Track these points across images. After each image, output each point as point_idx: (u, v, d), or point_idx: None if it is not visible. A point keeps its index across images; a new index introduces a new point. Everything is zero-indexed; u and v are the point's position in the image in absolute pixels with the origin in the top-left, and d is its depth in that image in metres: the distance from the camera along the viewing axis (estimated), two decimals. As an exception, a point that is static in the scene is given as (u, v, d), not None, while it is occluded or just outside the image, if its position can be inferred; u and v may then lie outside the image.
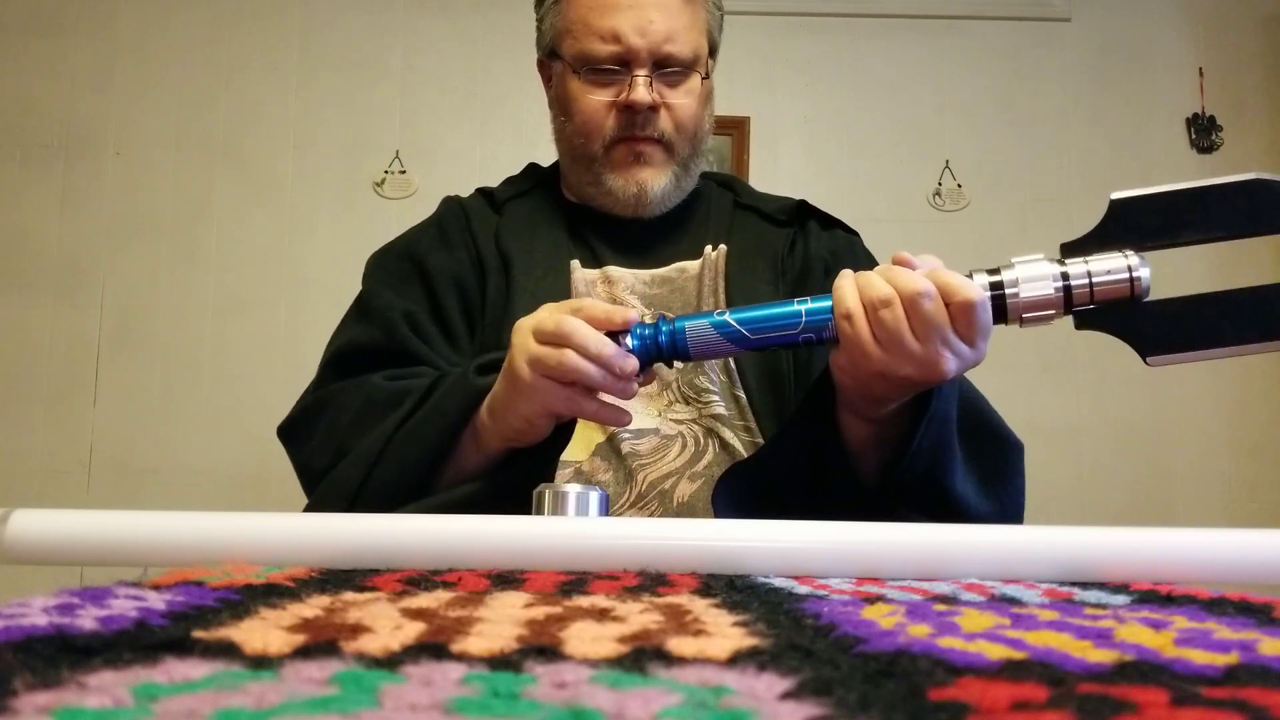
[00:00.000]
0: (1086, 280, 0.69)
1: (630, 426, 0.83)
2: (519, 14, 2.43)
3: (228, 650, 0.26)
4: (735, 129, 2.44)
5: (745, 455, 0.89)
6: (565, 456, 0.84)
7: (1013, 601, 0.40)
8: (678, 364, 0.90)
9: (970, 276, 0.70)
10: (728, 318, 0.72)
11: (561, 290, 0.96)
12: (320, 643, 0.27)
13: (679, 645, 0.28)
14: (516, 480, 0.74)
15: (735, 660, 0.26)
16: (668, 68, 0.95)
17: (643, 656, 0.26)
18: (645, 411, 0.91)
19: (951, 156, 2.49)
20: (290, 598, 0.36)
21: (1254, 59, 2.54)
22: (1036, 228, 2.45)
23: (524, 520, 0.52)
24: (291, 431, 0.92)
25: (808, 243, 1.01)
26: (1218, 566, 0.49)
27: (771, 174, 2.40)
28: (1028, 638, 0.30)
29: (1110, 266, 0.69)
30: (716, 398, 0.92)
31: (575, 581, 0.44)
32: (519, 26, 2.44)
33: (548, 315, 0.73)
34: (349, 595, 0.38)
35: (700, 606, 0.37)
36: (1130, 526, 0.50)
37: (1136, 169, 2.48)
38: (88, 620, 0.29)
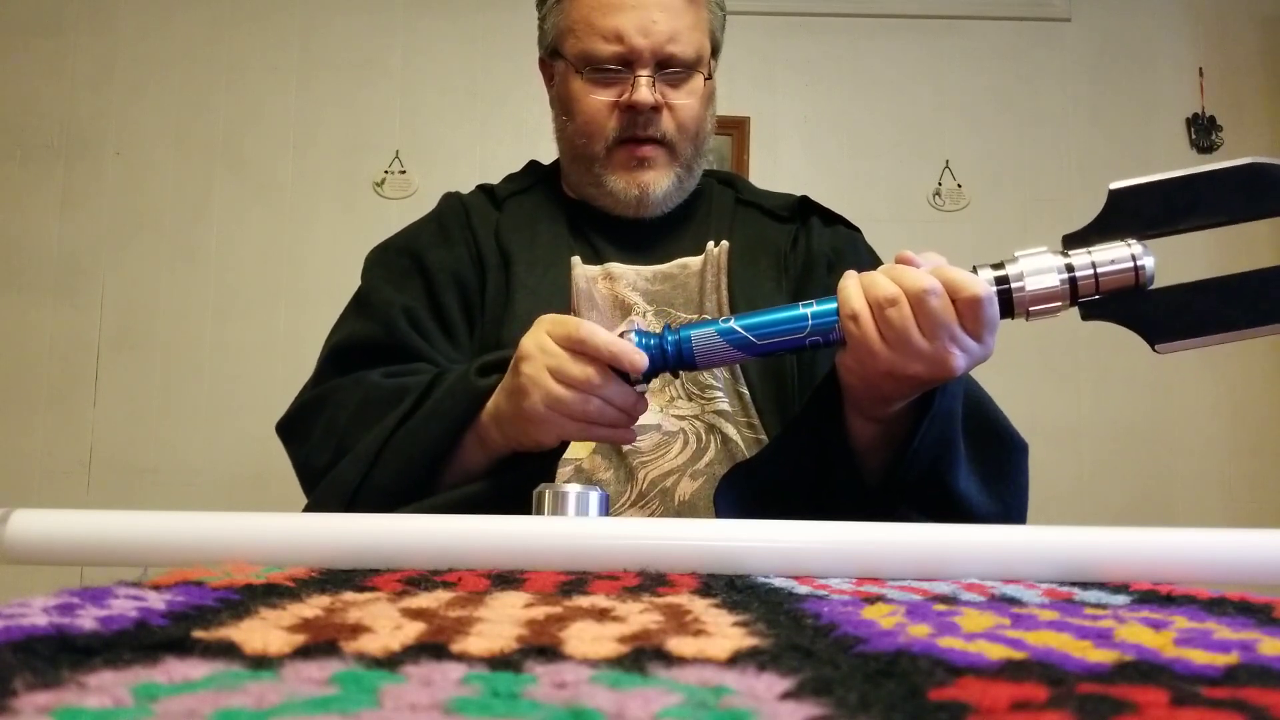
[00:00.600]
0: (1091, 271, 0.69)
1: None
2: (519, 14, 2.43)
3: (228, 650, 0.26)
4: (735, 129, 2.44)
5: (748, 452, 0.89)
6: (565, 455, 0.84)
7: (1013, 601, 0.40)
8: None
9: (975, 271, 0.70)
10: (733, 324, 0.71)
11: (562, 287, 0.95)
12: (320, 643, 0.27)
13: (679, 645, 0.28)
14: (519, 481, 0.74)
15: (735, 660, 0.26)
16: (670, 68, 0.95)
17: (643, 656, 0.26)
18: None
19: (951, 156, 2.49)
20: (290, 598, 0.36)
21: (1254, 59, 2.54)
22: (1036, 228, 2.45)
23: (524, 520, 0.52)
24: (290, 428, 0.92)
25: (810, 239, 1.01)
26: (1218, 566, 0.49)
27: (771, 174, 2.40)
28: (1028, 638, 0.30)
29: (1114, 256, 0.69)
30: (720, 394, 0.92)
31: (575, 581, 0.44)
32: (519, 26, 2.44)
33: (569, 363, 0.71)
34: (349, 595, 0.38)
35: (700, 606, 0.37)
36: (1130, 526, 0.50)
37: (1136, 169, 2.44)
38: (88, 620, 0.29)
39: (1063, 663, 0.26)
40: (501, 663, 0.26)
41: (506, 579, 0.45)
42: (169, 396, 2.36)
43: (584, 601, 0.37)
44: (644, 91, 0.94)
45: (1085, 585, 0.47)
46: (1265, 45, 2.54)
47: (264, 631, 0.29)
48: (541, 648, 0.27)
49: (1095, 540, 0.49)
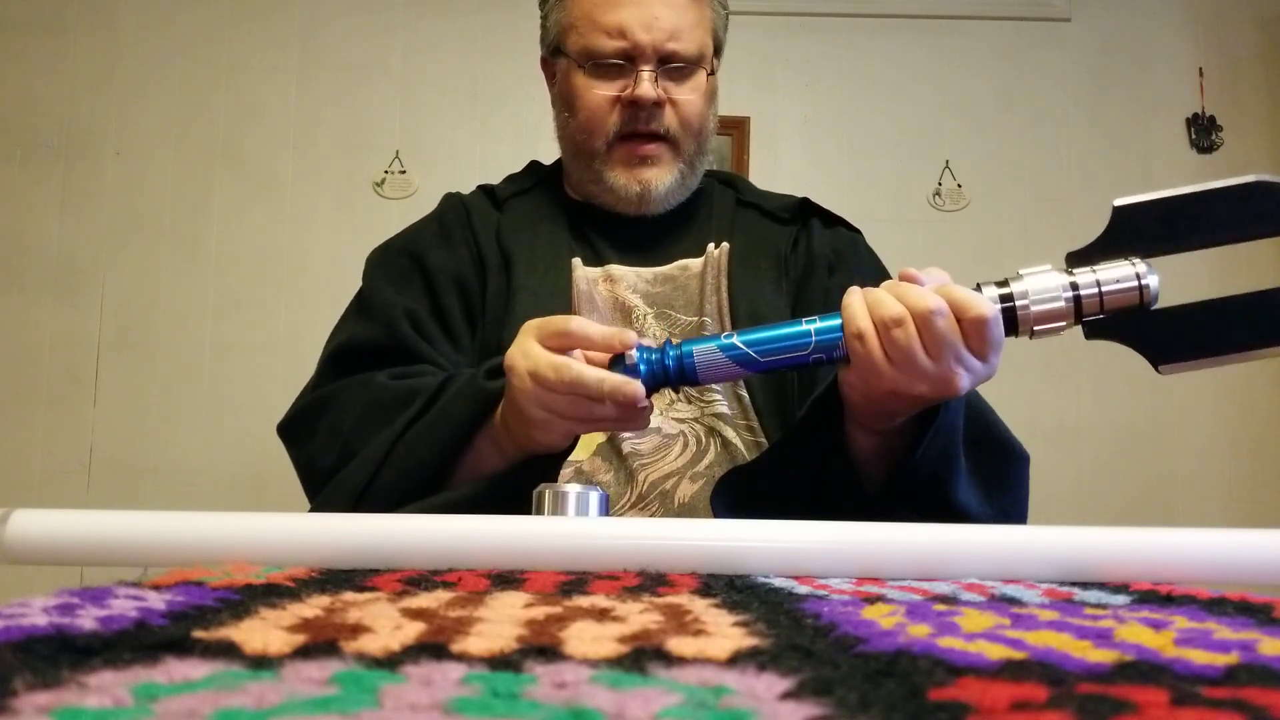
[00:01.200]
0: (1096, 290, 0.68)
1: None
2: (519, 14, 2.44)
3: (228, 650, 0.26)
4: (735, 129, 2.44)
5: (748, 455, 0.89)
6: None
7: (1013, 601, 0.40)
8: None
9: (978, 289, 0.69)
10: (735, 340, 0.71)
11: (563, 288, 0.95)
12: (320, 643, 0.27)
13: (679, 645, 0.28)
14: (526, 481, 0.74)
15: (735, 660, 0.26)
16: (672, 64, 0.95)
17: (643, 656, 0.26)
18: (646, 409, 0.91)
19: (951, 156, 2.49)
20: (290, 598, 0.36)
21: (1254, 59, 2.54)
22: (1036, 228, 2.45)
23: (524, 520, 0.52)
24: (292, 430, 0.92)
25: (810, 240, 1.01)
26: (1218, 566, 0.49)
27: (771, 174, 2.40)
28: (1028, 638, 0.30)
29: (1119, 275, 0.69)
30: (719, 397, 0.92)
31: (575, 581, 0.44)
32: (519, 27, 2.44)
33: (546, 364, 0.70)
34: (349, 595, 0.38)
35: (700, 606, 0.37)
36: (1130, 526, 0.50)
37: (1136, 169, 2.48)
38: (88, 620, 0.29)
39: (1063, 663, 0.26)
40: (501, 663, 0.26)
41: (506, 579, 0.45)
42: (169, 396, 2.36)
43: (584, 601, 0.37)
44: (646, 86, 0.94)
45: (1085, 585, 0.47)
46: (1265, 45, 2.54)
47: (264, 631, 0.29)
48: (541, 648, 0.27)
49: (1095, 540, 0.49)
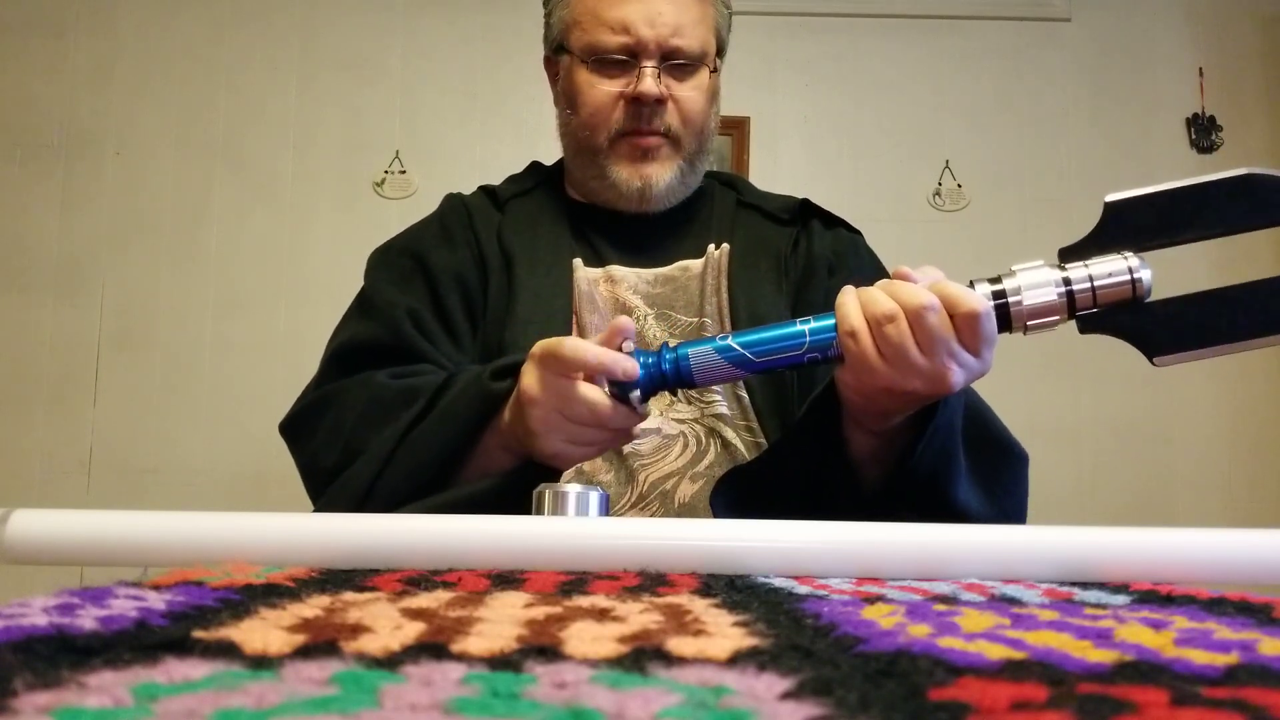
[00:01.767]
0: (1088, 284, 0.69)
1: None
2: (519, 14, 2.44)
3: (228, 650, 0.26)
4: (735, 129, 2.44)
5: (748, 455, 0.89)
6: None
7: (1013, 601, 0.40)
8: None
9: (972, 286, 0.69)
10: (731, 342, 0.71)
11: (564, 289, 0.95)
12: (320, 643, 0.27)
13: (679, 645, 0.28)
14: (530, 481, 0.74)
15: (735, 660, 0.26)
16: (675, 60, 0.95)
17: (643, 656, 0.26)
18: (646, 410, 0.91)
19: (951, 156, 2.49)
20: (290, 598, 0.36)
21: (1254, 59, 2.54)
22: (1036, 228, 2.45)
23: (524, 520, 0.52)
24: (294, 429, 0.92)
25: (811, 242, 1.01)
26: (1218, 566, 0.49)
27: (771, 174, 2.40)
28: (1028, 638, 0.30)
29: (1111, 269, 0.69)
30: (719, 397, 0.92)
31: (575, 581, 0.44)
32: (519, 27, 2.45)
33: (571, 401, 0.72)
34: (349, 595, 0.38)
35: (700, 606, 0.37)
36: (1130, 526, 0.50)
37: (1136, 169, 2.48)
38: (88, 620, 0.29)
39: (1063, 663, 0.26)
40: (501, 663, 0.26)
41: (506, 579, 0.45)
42: (169, 396, 2.36)
43: (584, 601, 0.37)
44: (649, 82, 0.94)
45: (1085, 585, 0.47)
46: (1265, 45, 2.54)
47: (264, 631, 0.29)
48: (541, 648, 0.27)
49: (1095, 540, 0.49)
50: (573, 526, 0.52)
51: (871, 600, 0.40)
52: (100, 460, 2.34)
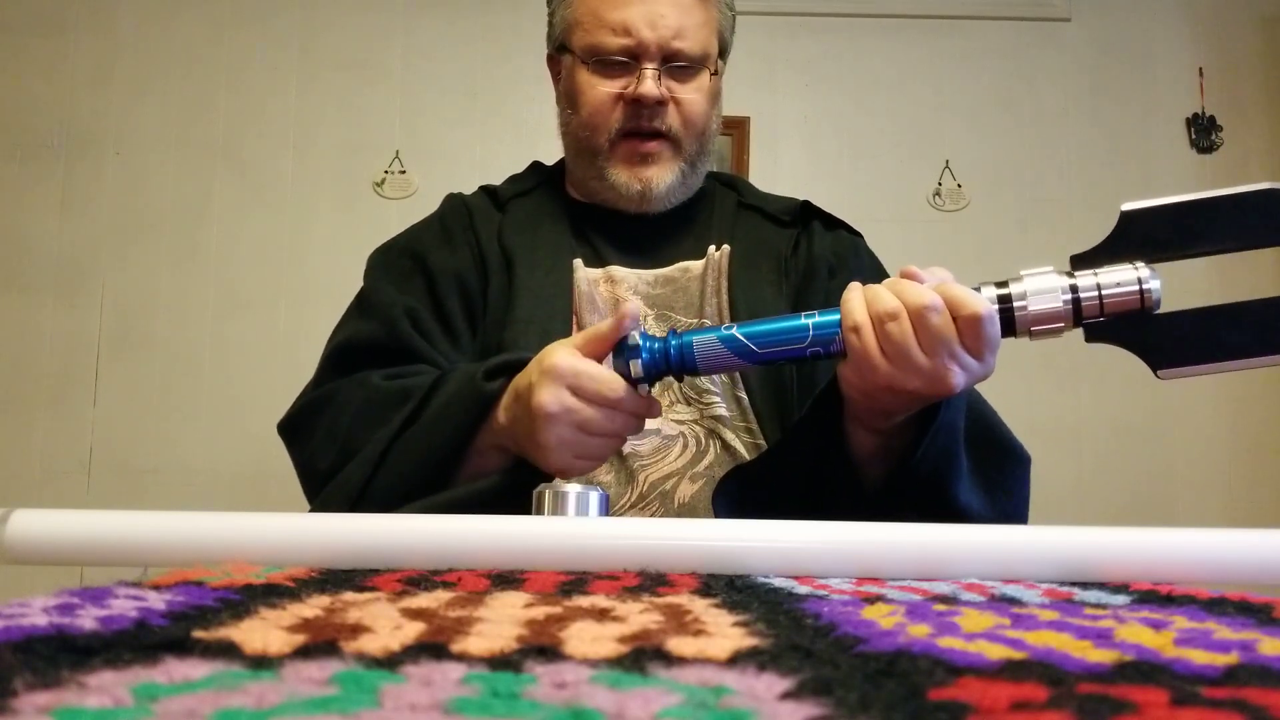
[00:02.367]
0: (1096, 293, 0.68)
1: None
2: (519, 14, 2.44)
3: (228, 650, 0.26)
4: (735, 129, 2.44)
5: (748, 456, 0.89)
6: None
7: (1013, 601, 0.40)
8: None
9: (979, 289, 0.69)
10: (735, 332, 0.72)
11: (564, 289, 0.95)
12: (320, 643, 0.27)
13: (679, 645, 0.28)
14: (526, 481, 0.74)
15: (735, 660, 0.26)
16: (676, 63, 0.95)
17: (643, 656, 0.26)
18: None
19: (951, 156, 2.49)
20: (290, 598, 0.36)
21: (1254, 59, 2.54)
22: (1036, 228, 2.45)
23: (524, 520, 0.52)
24: (292, 429, 0.92)
25: (811, 243, 1.01)
26: (1218, 566, 0.49)
27: (771, 174, 2.40)
28: (1028, 638, 0.30)
29: (1120, 279, 0.68)
30: (718, 399, 0.92)
31: (575, 581, 0.44)
32: (519, 27, 2.45)
33: (591, 420, 0.72)
34: (349, 595, 0.38)
35: (700, 606, 0.37)
36: (1130, 526, 0.50)
37: (1136, 169, 2.48)
38: (88, 620, 0.29)
39: (1063, 663, 0.26)
40: (501, 663, 0.26)
41: (506, 579, 0.45)
42: (169, 396, 2.36)
43: (584, 601, 0.37)
44: (649, 84, 0.94)
45: (1085, 585, 0.47)
46: (1265, 45, 2.54)
47: (264, 631, 0.29)
48: (541, 648, 0.27)
49: (1095, 540, 0.49)
50: (573, 526, 0.52)
51: (871, 600, 0.40)
52: (100, 460, 2.34)
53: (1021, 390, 2.31)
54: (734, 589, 0.42)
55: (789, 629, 0.32)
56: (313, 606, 0.34)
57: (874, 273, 1.02)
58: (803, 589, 0.43)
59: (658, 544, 0.50)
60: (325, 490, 0.84)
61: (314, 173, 2.44)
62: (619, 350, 0.72)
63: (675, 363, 0.72)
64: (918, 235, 2.44)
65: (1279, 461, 2.40)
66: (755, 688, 0.23)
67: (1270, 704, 0.22)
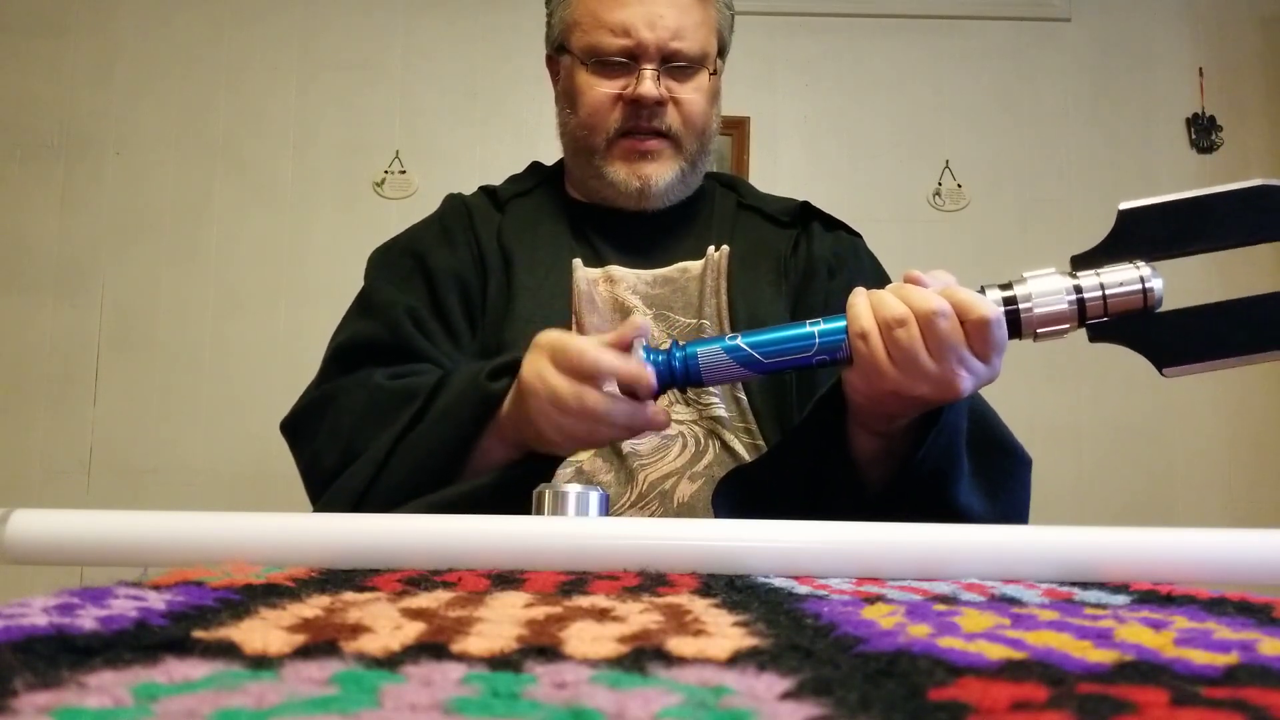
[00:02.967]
0: (1099, 293, 0.69)
1: None
2: (519, 14, 2.44)
3: (228, 650, 0.26)
4: (735, 129, 2.44)
5: (747, 457, 0.89)
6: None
7: (1013, 601, 0.40)
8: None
9: (982, 292, 0.69)
10: (740, 342, 0.71)
11: (563, 289, 0.95)
12: (320, 643, 0.27)
13: (679, 645, 0.28)
14: (527, 478, 0.74)
15: (735, 660, 0.26)
16: (675, 63, 0.95)
17: (643, 656, 0.26)
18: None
19: (951, 156, 2.49)
20: (290, 598, 0.36)
21: (1254, 59, 2.54)
22: (1036, 228, 2.45)
23: (524, 520, 0.52)
24: (295, 428, 0.92)
25: (811, 244, 1.01)
26: (1218, 566, 0.49)
27: (771, 174, 2.40)
28: (1028, 638, 0.30)
29: (1123, 278, 0.69)
30: (717, 400, 0.92)
31: (575, 581, 0.44)
32: (519, 27, 2.45)
33: (568, 394, 0.71)
34: (349, 595, 0.38)
35: (700, 606, 0.37)
36: (1130, 526, 0.50)
37: (1136, 169, 2.48)
38: (88, 620, 0.29)
39: (1063, 663, 0.26)
40: (501, 663, 0.26)
41: (506, 579, 0.45)
42: (169, 396, 2.36)
43: (584, 601, 0.37)
44: (648, 85, 0.94)
45: (1085, 585, 0.47)
46: (1265, 45, 2.54)
47: (264, 631, 0.29)
48: (541, 648, 0.27)
49: (1095, 540, 0.49)
50: (573, 526, 0.52)
51: (871, 600, 0.40)
52: (100, 460, 2.34)
53: (1022, 390, 2.31)
54: (734, 589, 0.42)
55: (789, 629, 0.32)
56: (313, 606, 0.34)
57: (873, 273, 1.02)
58: (803, 589, 0.43)
59: (658, 544, 0.50)
60: (329, 491, 0.84)
61: (314, 173, 2.44)
62: None
63: (680, 375, 0.72)
64: (918, 235, 2.44)
65: (1279, 461, 2.40)
66: (755, 688, 0.23)
67: (1270, 704, 0.22)
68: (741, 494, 0.79)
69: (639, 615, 0.34)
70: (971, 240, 2.43)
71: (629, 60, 0.95)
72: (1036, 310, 0.69)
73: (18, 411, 2.34)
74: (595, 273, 0.98)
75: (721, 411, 0.92)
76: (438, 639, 0.28)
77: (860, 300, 0.69)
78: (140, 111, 2.45)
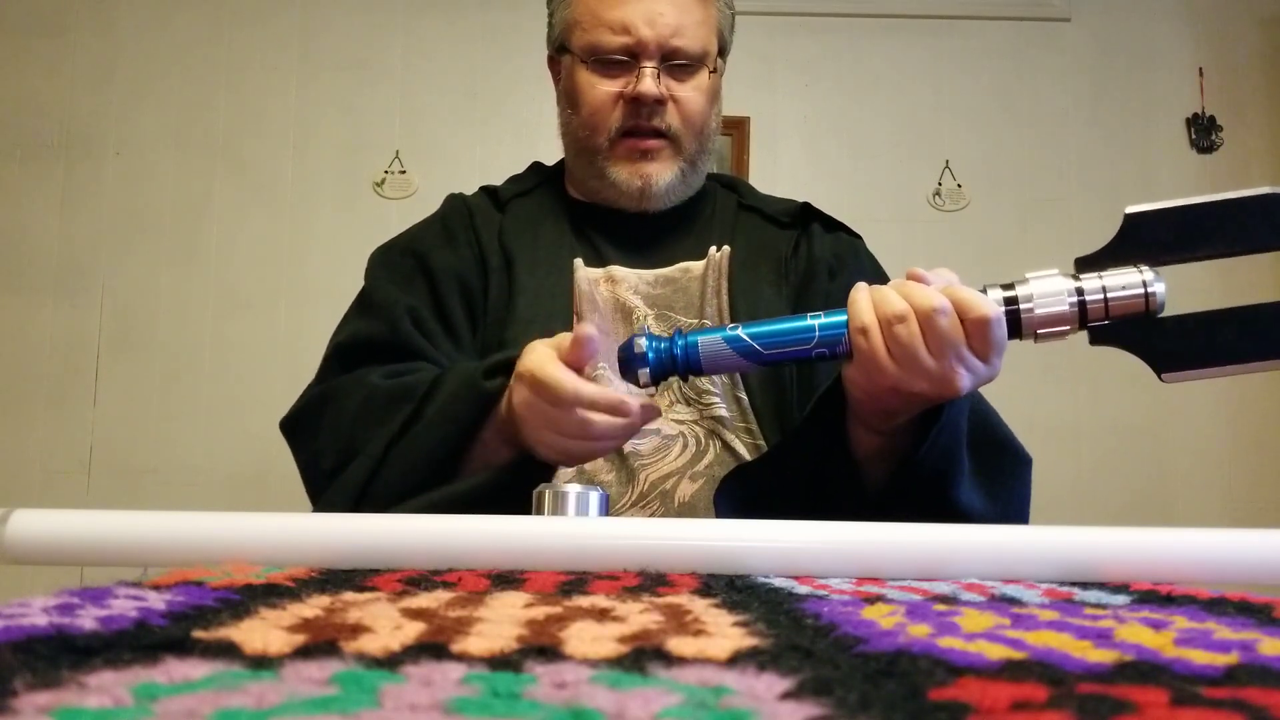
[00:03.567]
0: (1101, 295, 0.69)
1: None
2: (519, 14, 2.44)
3: (228, 650, 0.26)
4: (735, 129, 2.44)
5: (747, 457, 0.89)
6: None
7: (1013, 601, 0.40)
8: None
9: (984, 291, 0.69)
10: (740, 333, 0.71)
11: (564, 289, 0.95)
12: (320, 643, 0.27)
13: (679, 645, 0.28)
14: (525, 475, 0.74)
15: (735, 660, 0.26)
16: (676, 61, 0.95)
17: (643, 656, 0.26)
18: (646, 413, 0.91)
19: (951, 156, 2.49)
20: (290, 598, 0.36)
21: (1254, 59, 2.54)
22: (1036, 228, 2.45)
23: (524, 520, 0.52)
24: (294, 427, 0.92)
25: (811, 245, 1.01)
26: (1218, 566, 0.49)
27: (771, 174, 2.40)
28: (1028, 638, 0.30)
29: (1125, 282, 0.69)
30: (717, 399, 0.92)
31: (575, 581, 0.44)
32: (519, 27, 2.45)
33: (559, 419, 0.72)
34: (349, 595, 0.38)
35: (700, 606, 0.37)
36: (1130, 526, 0.50)
37: (1136, 169, 2.48)
38: (88, 620, 0.29)
39: (1063, 663, 0.26)
40: (501, 663, 0.26)
41: (506, 579, 0.45)
42: (169, 396, 2.36)
43: (584, 601, 0.37)
44: (649, 83, 0.94)
45: (1085, 585, 0.47)
46: (1265, 45, 2.54)
47: (264, 631, 0.29)
48: (541, 648, 0.27)
49: (1095, 540, 0.49)
50: (573, 526, 0.52)
51: (871, 600, 0.40)
52: (100, 460, 2.34)
53: (1022, 390, 2.31)
54: (734, 589, 0.42)
55: (789, 629, 0.32)
56: (313, 606, 0.34)
57: (874, 274, 1.02)
58: (803, 589, 0.43)
59: (658, 544, 0.50)
60: (328, 490, 0.84)
61: (314, 173, 2.44)
62: (623, 352, 0.72)
63: (681, 363, 0.72)
64: (918, 235, 2.44)
65: (1279, 461, 2.40)
66: (755, 688, 0.23)
67: (1270, 704, 0.22)
68: (743, 493, 0.79)
69: (639, 615, 0.34)
70: (971, 240, 2.43)
71: (629, 58, 0.95)
72: (1037, 311, 0.69)
73: (18, 411, 2.34)
74: (596, 273, 0.98)
75: (722, 411, 0.92)
76: (438, 639, 0.28)
77: (861, 295, 0.70)
78: (140, 111, 2.45)
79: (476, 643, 0.28)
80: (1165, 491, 2.39)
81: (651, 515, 0.87)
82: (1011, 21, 2.53)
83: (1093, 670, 0.26)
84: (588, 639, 0.29)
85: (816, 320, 0.71)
